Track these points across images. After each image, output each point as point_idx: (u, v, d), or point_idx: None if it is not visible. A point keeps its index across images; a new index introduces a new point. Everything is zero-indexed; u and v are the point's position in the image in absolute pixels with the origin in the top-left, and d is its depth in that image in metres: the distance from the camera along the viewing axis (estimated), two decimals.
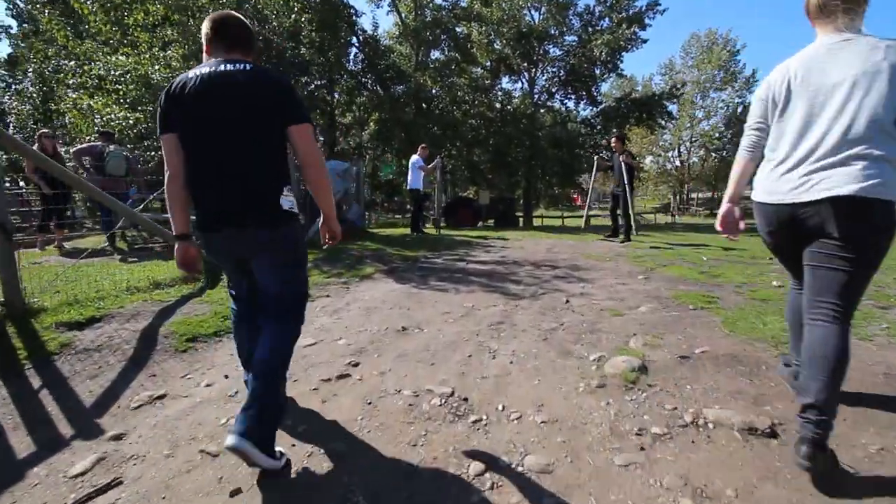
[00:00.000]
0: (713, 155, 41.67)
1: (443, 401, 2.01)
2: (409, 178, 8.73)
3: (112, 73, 8.50)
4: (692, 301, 3.36)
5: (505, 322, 3.11)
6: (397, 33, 17.62)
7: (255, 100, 1.54)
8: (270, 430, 1.54)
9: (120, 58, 8.92)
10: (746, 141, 1.78)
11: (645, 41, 22.04)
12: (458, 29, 18.78)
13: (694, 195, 45.83)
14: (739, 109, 40.14)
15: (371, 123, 18.25)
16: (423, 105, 17.66)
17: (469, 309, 3.45)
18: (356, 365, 2.42)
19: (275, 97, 1.56)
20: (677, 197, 44.09)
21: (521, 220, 21.96)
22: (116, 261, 5.34)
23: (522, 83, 24.03)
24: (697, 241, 7.84)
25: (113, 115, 8.54)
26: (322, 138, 24.29)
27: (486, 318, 3.20)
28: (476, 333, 2.89)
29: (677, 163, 44.46)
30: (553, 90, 23.76)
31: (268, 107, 1.55)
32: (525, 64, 21.88)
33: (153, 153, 8.64)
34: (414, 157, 8.74)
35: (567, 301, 3.57)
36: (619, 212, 7.25)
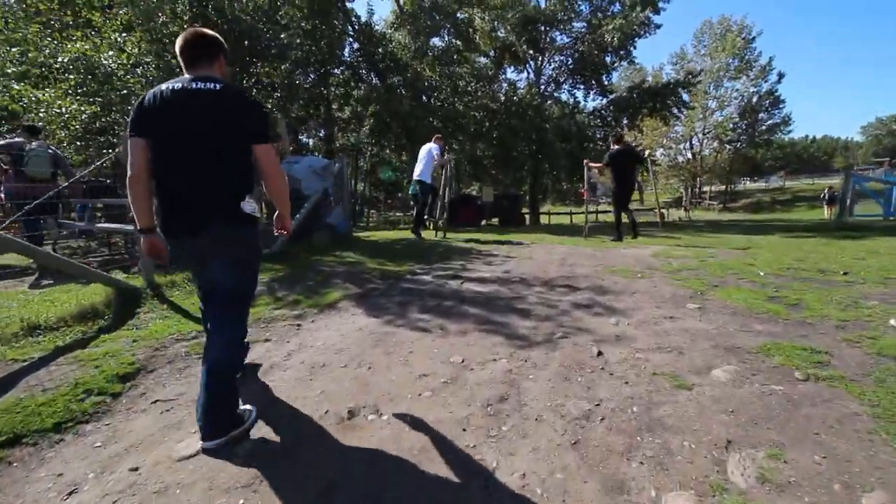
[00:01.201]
0: (727, 147, 40.12)
1: None
2: (419, 168, 7.69)
3: (60, 60, 7.48)
4: (791, 359, 2.25)
5: (509, 398, 2.03)
6: (393, 20, 16.43)
7: (223, 116, 1.75)
8: (228, 415, 1.81)
9: (73, 44, 7.90)
10: None
11: (658, 27, 20.74)
12: (459, 15, 17.62)
13: (706, 188, 44.32)
14: (755, 99, 38.61)
15: (369, 118, 17.15)
16: (423, 97, 16.55)
17: (457, 368, 2.37)
18: None
19: (242, 117, 1.78)
20: (689, 191, 42.59)
21: (527, 217, 20.82)
22: (26, 286, 4.31)
23: (528, 73, 22.83)
24: (733, 244, 6.69)
25: (64, 109, 7.52)
26: (322, 132, 23.26)
27: (480, 389, 2.12)
28: (462, 427, 1.81)
29: (689, 155, 42.98)
30: (560, 80, 22.54)
31: (234, 124, 1.77)
32: (531, 52, 20.64)
33: (110, 150, 7.62)
34: (430, 146, 7.74)
35: (599, 353, 2.48)
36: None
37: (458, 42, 16.70)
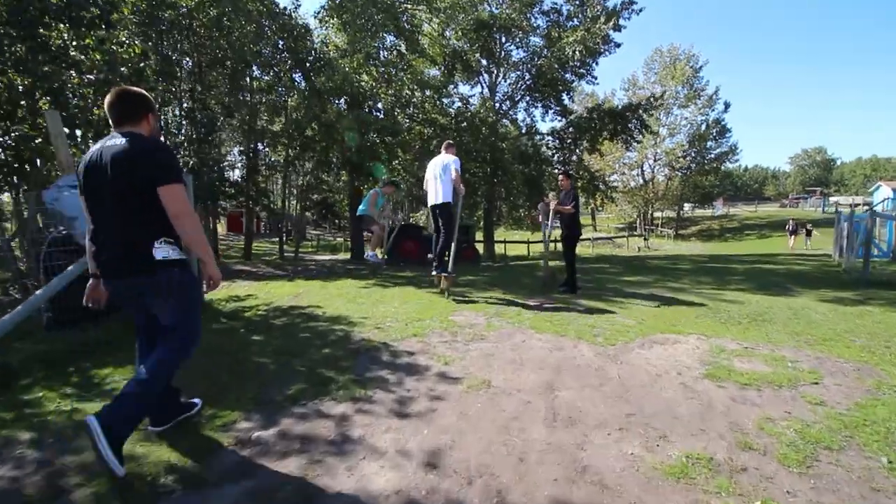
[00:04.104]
0: (678, 173, 40.22)
1: None
2: (437, 187, 5.54)
3: None
4: None
5: None
6: (319, 10, 13.69)
7: (124, 167, 1.84)
8: (124, 425, 1.86)
9: None
10: None
11: (619, 45, 19.38)
12: (402, 16, 15.19)
13: (658, 214, 44.29)
14: (703, 127, 39.02)
15: (291, 128, 14.18)
16: (363, 105, 13.81)
17: None
18: None
19: (140, 163, 1.85)
20: (642, 217, 42.32)
21: (481, 248, 18.40)
22: None
23: (482, 87, 20.76)
24: (780, 322, 4.40)
25: None
26: (240, 147, 19.93)
27: None
28: None
29: (641, 181, 42.78)
30: (516, 98, 20.63)
31: (133, 172, 1.84)
32: (484, 62, 18.54)
33: None
34: (445, 158, 5.59)
35: None
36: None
37: (403, 43, 14.19)
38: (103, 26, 5.70)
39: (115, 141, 1.88)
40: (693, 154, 39.38)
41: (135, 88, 2.05)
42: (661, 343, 3.72)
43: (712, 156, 39.72)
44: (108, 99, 1.98)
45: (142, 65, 6.53)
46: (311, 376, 2.97)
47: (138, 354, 2.18)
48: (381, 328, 4.09)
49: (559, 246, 9.34)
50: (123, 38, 6.64)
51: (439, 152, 5.77)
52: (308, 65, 13.24)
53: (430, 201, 5.72)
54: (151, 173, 1.83)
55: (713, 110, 38.53)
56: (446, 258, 5.66)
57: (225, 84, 15.85)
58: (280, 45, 14.13)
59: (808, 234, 22.27)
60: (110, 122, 1.98)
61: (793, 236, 22.25)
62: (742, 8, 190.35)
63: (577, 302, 5.39)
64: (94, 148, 1.93)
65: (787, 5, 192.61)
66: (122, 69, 6.20)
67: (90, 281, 2.07)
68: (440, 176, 5.59)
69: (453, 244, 5.65)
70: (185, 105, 15.88)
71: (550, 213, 6.59)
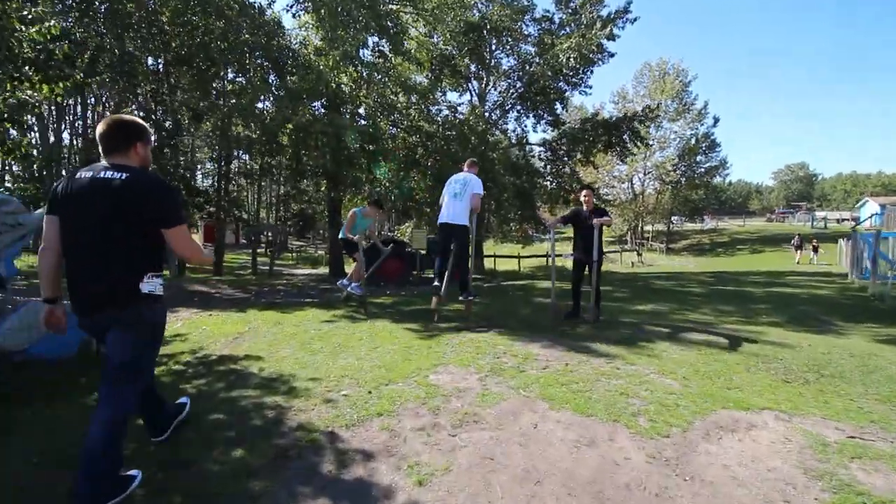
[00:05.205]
0: (668, 187, 39.79)
1: None
2: (453, 206, 5.08)
3: None
4: None
5: None
6: (297, 6, 12.60)
7: (124, 204, 1.78)
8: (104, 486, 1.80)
9: None
10: None
11: (612, 55, 18.70)
12: (387, 16, 14.20)
13: (648, 228, 43.81)
14: (693, 141, 38.75)
15: (255, 131, 13.00)
16: (340, 110, 12.70)
17: None
18: None
19: (144, 204, 1.81)
20: (632, 230, 41.75)
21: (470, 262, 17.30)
22: None
23: (471, 95, 19.83)
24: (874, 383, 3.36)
25: None
26: (214, 154, 18.66)
27: None
28: None
29: (631, 194, 42.30)
30: (507, 107, 19.75)
31: (135, 212, 1.80)
32: (474, 68, 17.62)
33: None
34: (466, 176, 5.23)
35: None
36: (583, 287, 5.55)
37: (385, 43, 13.16)
38: None
39: (113, 174, 1.81)
40: (683, 168, 39.01)
41: (128, 117, 2.01)
42: (732, 429, 2.59)
43: (702, 170, 39.41)
44: (100, 128, 1.93)
45: (51, 46, 5.36)
46: None
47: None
48: (333, 401, 2.90)
49: (565, 264, 8.30)
50: (26, 12, 5.49)
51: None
52: (281, 64, 12.12)
53: (443, 219, 5.20)
54: (155, 216, 1.83)
55: (702, 125, 38.32)
56: (440, 279, 5.31)
57: (193, 86, 14.68)
58: (251, 44, 13.01)
59: (815, 249, 22.00)
60: (101, 149, 1.92)
61: (799, 251, 21.97)
62: (725, 24, 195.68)
63: (593, 347, 4.26)
64: (81, 175, 1.85)
65: (770, 25, 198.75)
66: (26, 51, 5.06)
67: (46, 307, 1.90)
68: (459, 193, 5.10)
69: (469, 265, 5.45)
70: (151, 107, 14.69)
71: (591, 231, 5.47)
